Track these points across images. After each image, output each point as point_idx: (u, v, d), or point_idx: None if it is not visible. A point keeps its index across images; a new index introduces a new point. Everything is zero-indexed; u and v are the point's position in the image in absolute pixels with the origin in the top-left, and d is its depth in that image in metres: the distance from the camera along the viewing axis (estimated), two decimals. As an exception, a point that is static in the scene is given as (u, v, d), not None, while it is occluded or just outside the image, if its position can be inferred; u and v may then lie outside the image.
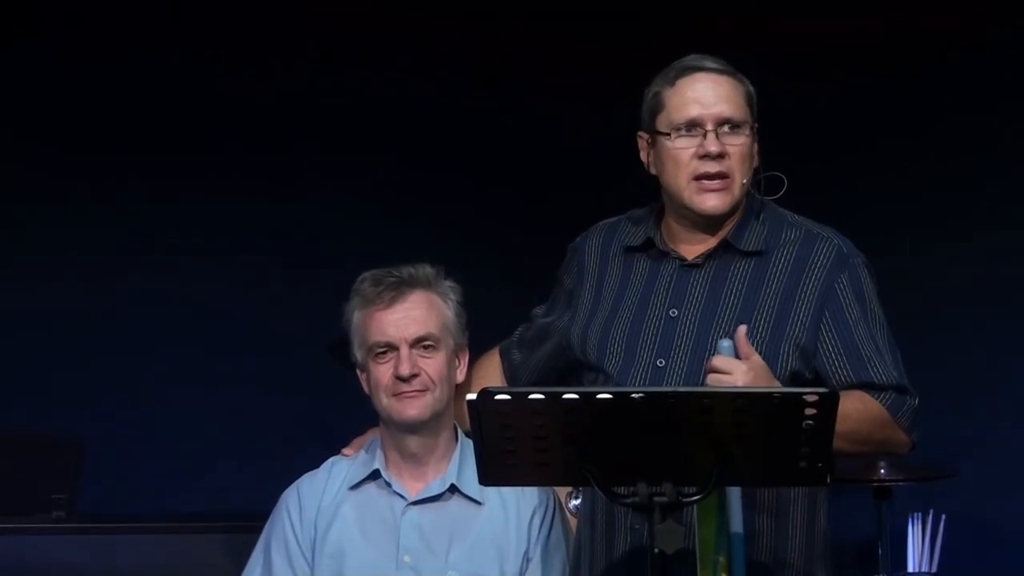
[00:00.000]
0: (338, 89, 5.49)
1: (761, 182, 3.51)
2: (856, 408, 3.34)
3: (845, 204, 5.26)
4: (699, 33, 5.31)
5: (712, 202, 3.46)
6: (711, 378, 3.28)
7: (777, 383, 3.32)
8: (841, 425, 3.18)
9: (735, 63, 3.54)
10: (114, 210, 5.39)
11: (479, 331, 3.84)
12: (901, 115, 5.47)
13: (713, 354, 3.31)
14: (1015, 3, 5.33)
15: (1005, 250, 5.39)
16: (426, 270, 3.74)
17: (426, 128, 5.52)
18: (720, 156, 3.43)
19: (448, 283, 3.75)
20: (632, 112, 3.60)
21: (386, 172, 5.49)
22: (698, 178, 3.45)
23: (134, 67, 5.40)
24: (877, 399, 3.41)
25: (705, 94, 3.45)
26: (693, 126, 3.45)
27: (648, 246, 3.56)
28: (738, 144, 3.45)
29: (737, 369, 3.27)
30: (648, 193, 3.61)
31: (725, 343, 3.30)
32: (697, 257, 3.51)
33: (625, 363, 3.47)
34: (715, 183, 3.45)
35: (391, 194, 5.49)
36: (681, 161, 3.46)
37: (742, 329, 3.32)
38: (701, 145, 3.44)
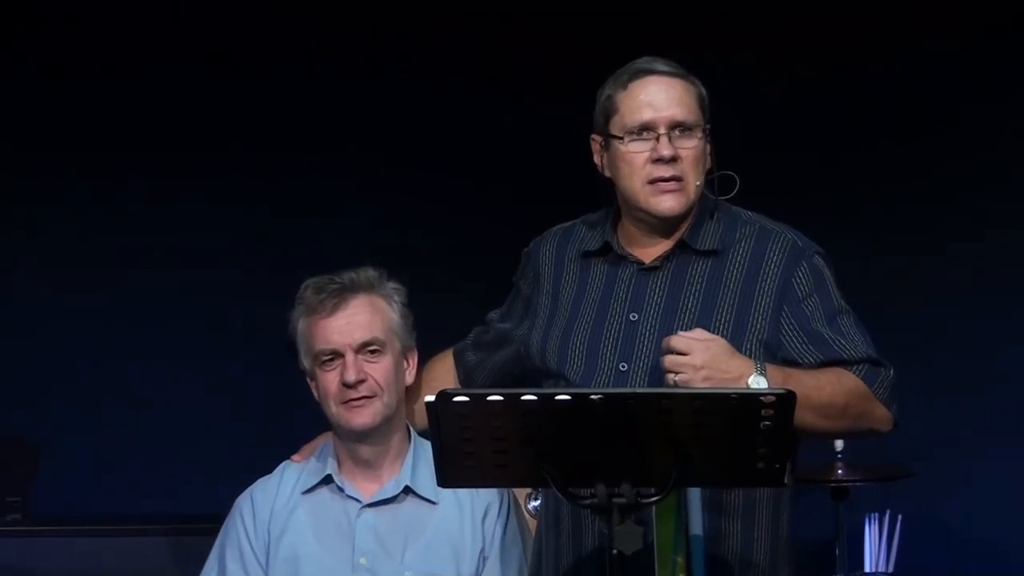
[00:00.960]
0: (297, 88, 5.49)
1: (715, 182, 3.51)
2: (830, 380, 3.34)
3: (809, 205, 5.27)
4: (696, 32, 5.32)
5: (667, 203, 3.45)
6: (669, 361, 3.28)
7: (741, 358, 3.31)
8: (816, 397, 3.20)
9: (731, 62, 3.54)
10: (73, 211, 5.37)
11: (438, 332, 3.83)
12: (874, 116, 5.48)
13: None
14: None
15: (965, 253, 5.41)
16: (368, 273, 3.72)
17: (380, 128, 5.51)
18: (673, 160, 3.44)
19: (392, 284, 3.73)
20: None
21: (343, 170, 5.48)
22: (652, 181, 3.45)
23: (119, 69, 5.39)
24: (851, 371, 3.40)
25: (657, 97, 3.45)
26: (646, 129, 3.45)
27: (605, 250, 3.56)
28: (690, 147, 3.45)
29: (695, 347, 3.28)
30: (603, 198, 3.60)
31: None
32: (655, 260, 3.51)
33: (587, 369, 3.46)
34: (670, 184, 3.45)
35: (351, 193, 5.48)
36: (635, 165, 3.46)
37: (666, 340, 3.32)
38: (654, 149, 3.44)
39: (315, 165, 5.46)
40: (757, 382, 3.28)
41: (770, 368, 3.33)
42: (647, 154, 3.44)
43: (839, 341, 3.42)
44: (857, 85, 5.52)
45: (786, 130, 5.44)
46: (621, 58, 3.54)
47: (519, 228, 5.00)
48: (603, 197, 3.59)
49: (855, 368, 3.41)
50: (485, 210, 5.54)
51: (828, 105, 5.52)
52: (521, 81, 5.55)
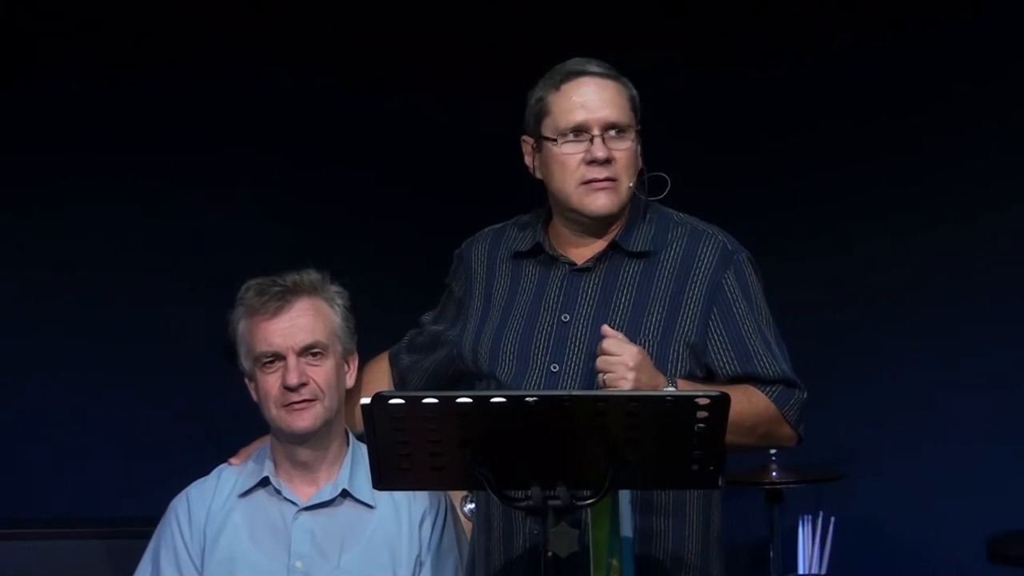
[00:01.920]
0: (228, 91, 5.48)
1: (646, 183, 3.52)
2: (740, 400, 3.35)
3: (738, 205, 5.30)
4: (613, 32, 5.35)
5: (600, 202, 3.46)
6: (601, 362, 3.30)
7: (657, 371, 3.34)
8: None
9: (645, 60, 3.56)
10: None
11: (372, 335, 3.84)
12: (818, 114, 5.51)
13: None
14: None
15: (897, 257, 5.45)
16: (311, 276, 3.71)
17: (311, 130, 5.50)
18: (607, 161, 3.44)
19: (334, 288, 3.72)
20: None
21: (270, 173, 5.47)
22: (586, 182, 3.46)
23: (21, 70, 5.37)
24: (764, 392, 3.44)
25: (591, 99, 3.46)
26: (580, 131, 3.45)
27: (537, 251, 3.56)
28: (624, 148, 3.46)
29: (626, 350, 3.30)
30: (535, 198, 3.61)
31: None
32: (587, 261, 3.52)
33: (518, 370, 3.47)
34: (603, 183, 3.45)
35: (280, 197, 5.46)
36: (569, 166, 3.46)
37: (604, 328, 3.34)
38: (588, 151, 3.45)
39: (243, 170, 5.44)
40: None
41: (681, 383, 3.36)
42: (581, 156, 3.45)
43: (760, 356, 3.44)
44: (761, 88, 5.55)
45: (695, 126, 5.45)
46: (549, 58, 3.55)
47: (450, 229, 5.02)
48: (538, 198, 3.60)
49: (769, 389, 3.44)
50: (414, 212, 5.53)
51: (739, 105, 5.54)
52: (450, 83, 5.55)
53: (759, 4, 5.53)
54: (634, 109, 3.49)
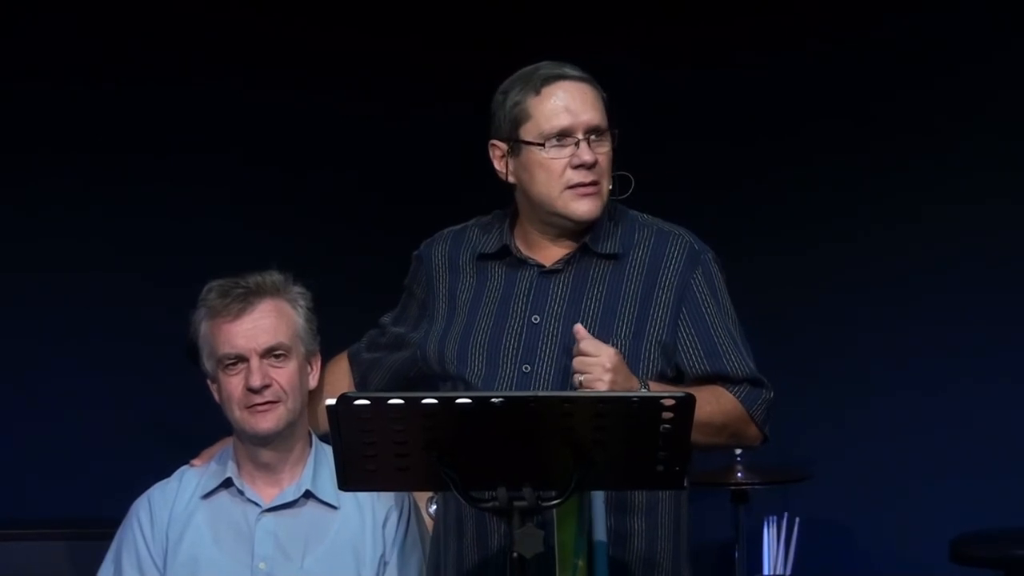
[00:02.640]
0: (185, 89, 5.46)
1: (615, 184, 3.52)
2: (708, 400, 3.37)
3: (710, 204, 5.31)
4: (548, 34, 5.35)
5: (585, 207, 3.46)
6: (577, 362, 3.30)
7: (633, 376, 3.35)
8: (695, 416, 3.21)
9: (604, 60, 3.56)
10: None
11: (333, 336, 3.82)
12: (780, 109, 5.52)
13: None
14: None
15: (864, 251, 5.46)
16: (274, 277, 3.69)
17: (272, 130, 5.49)
18: (593, 165, 3.45)
19: (297, 289, 3.71)
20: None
21: (233, 174, 5.45)
22: (572, 187, 3.45)
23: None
24: (732, 392, 3.46)
25: (573, 103, 3.46)
26: (564, 135, 3.45)
27: (503, 254, 3.55)
28: (604, 152, 3.47)
29: (604, 351, 3.30)
30: (494, 199, 3.60)
31: None
32: (556, 263, 3.51)
33: (488, 371, 3.46)
34: (588, 188, 3.46)
35: (239, 197, 5.45)
36: (554, 171, 3.46)
37: (577, 329, 3.34)
38: (575, 155, 3.44)
39: (201, 170, 5.42)
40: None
41: (653, 385, 3.37)
42: (566, 160, 3.45)
43: (729, 355, 3.46)
44: (734, 80, 5.56)
45: (662, 121, 5.45)
46: (511, 59, 3.54)
47: (409, 229, 5.02)
48: (496, 199, 3.59)
49: (737, 388, 3.46)
50: (373, 212, 5.52)
51: (709, 102, 5.55)
52: (408, 85, 5.54)
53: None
54: (609, 112, 3.50)
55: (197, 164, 5.41)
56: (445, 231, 3.66)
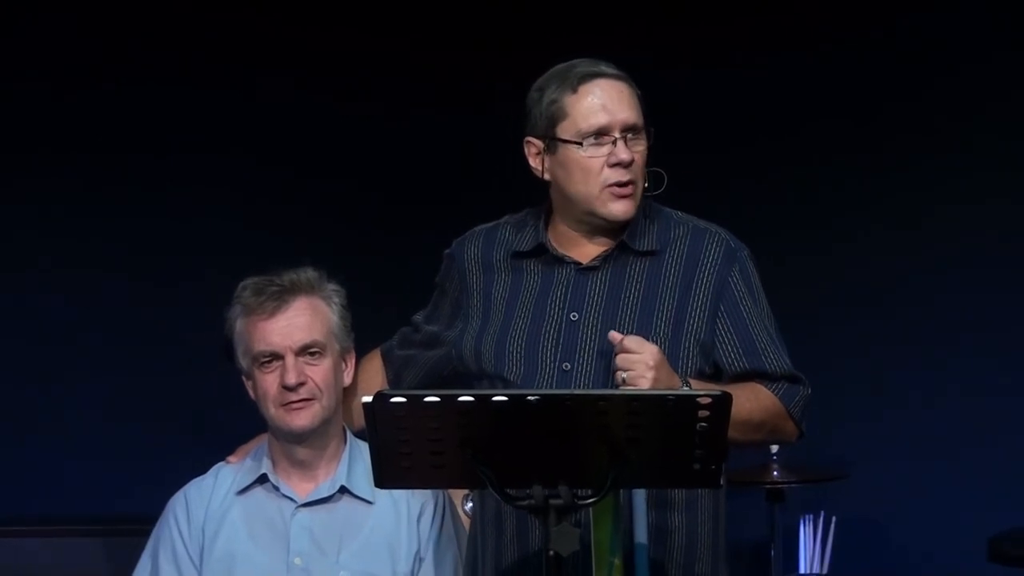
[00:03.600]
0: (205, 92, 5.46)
1: (649, 180, 3.52)
2: (749, 398, 3.38)
3: (742, 200, 5.30)
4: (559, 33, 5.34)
5: (621, 207, 3.46)
6: (621, 359, 3.30)
7: (675, 374, 3.35)
8: (734, 414, 3.21)
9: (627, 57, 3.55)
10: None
11: (365, 333, 3.82)
12: (804, 107, 5.50)
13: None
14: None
15: (900, 251, 5.44)
16: (308, 274, 3.70)
17: (272, 130, 5.48)
18: (630, 163, 3.45)
19: (332, 286, 3.71)
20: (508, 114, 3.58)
21: (232, 174, 5.45)
22: (609, 186, 3.45)
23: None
24: (770, 389, 3.46)
25: (610, 101, 3.46)
26: (601, 134, 3.45)
27: (539, 252, 3.55)
28: (640, 150, 3.48)
29: (647, 349, 3.30)
30: (522, 196, 3.60)
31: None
32: (593, 260, 3.51)
33: (527, 370, 3.46)
34: (625, 188, 3.46)
35: (238, 197, 5.44)
36: (592, 170, 3.45)
37: (612, 335, 3.34)
38: (612, 153, 3.44)
39: (201, 170, 5.42)
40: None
41: (694, 383, 3.37)
42: (603, 159, 3.44)
43: (767, 353, 3.47)
44: (750, 80, 5.54)
45: (683, 122, 5.44)
46: (511, 59, 3.53)
47: (405, 230, 5.02)
48: (528, 197, 3.59)
49: (775, 385, 3.47)
50: (369, 212, 5.51)
51: (730, 96, 5.53)
52: (404, 84, 5.53)
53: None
54: (644, 109, 3.50)
55: (197, 164, 5.41)
56: (477, 228, 3.66)
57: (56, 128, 5.32)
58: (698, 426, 2.96)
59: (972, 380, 5.36)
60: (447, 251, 3.68)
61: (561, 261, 3.52)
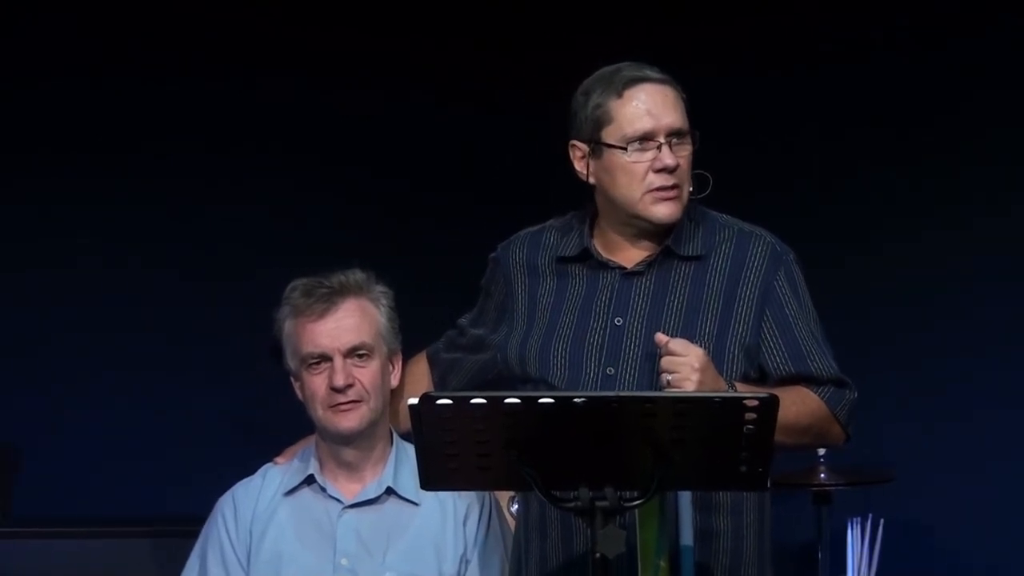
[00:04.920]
0: (248, 91, 5.46)
1: (693, 182, 3.52)
2: (795, 401, 3.38)
3: (787, 203, 5.27)
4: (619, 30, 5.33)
5: (666, 211, 3.46)
6: (666, 361, 3.30)
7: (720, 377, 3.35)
8: (781, 417, 3.20)
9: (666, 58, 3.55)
10: (38, 213, 5.35)
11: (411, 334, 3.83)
12: (847, 113, 5.47)
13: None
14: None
15: (946, 251, 5.41)
16: (357, 276, 3.72)
17: (272, 130, 5.48)
18: (675, 168, 3.44)
19: (379, 288, 3.73)
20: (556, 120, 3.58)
21: (232, 174, 5.45)
22: (654, 190, 3.45)
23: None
24: (816, 392, 3.46)
25: (655, 106, 3.45)
26: (646, 139, 3.44)
27: (584, 256, 3.55)
28: (686, 155, 3.47)
29: (692, 351, 3.30)
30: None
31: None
32: (638, 265, 3.51)
33: (572, 374, 3.46)
34: (670, 192, 3.45)
35: (238, 197, 5.44)
36: (637, 174, 3.45)
37: (659, 336, 3.34)
38: (657, 158, 3.44)
39: (240, 165, 5.42)
40: None
41: (739, 386, 3.37)
42: (648, 163, 3.44)
43: (813, 357, 3.47)
44: (799, 80, 5.50)
45: (721, 125, 5.41)
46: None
47: (404, 230, 5.00)
48: (570, 200, 3.59)
49: (821, 389, 3.47)
50: (370, 212, 5.50)
51: (773, 101, 5.50)
52: (404, 84, 5.50)
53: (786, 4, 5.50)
54: (688, 113, 3.49)
55: (197, 164, 5.41)
56: (522, 232, 3.67)
57: (56, 128, 5.33)
58: (745, 428, 2.96)
59: (1021, 383, 5.33)
60: (492, 255, 3.68)
61: (606, 266, 3.52)
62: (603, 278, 3.52)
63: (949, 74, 5.37)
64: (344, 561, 3.67)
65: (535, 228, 3.65)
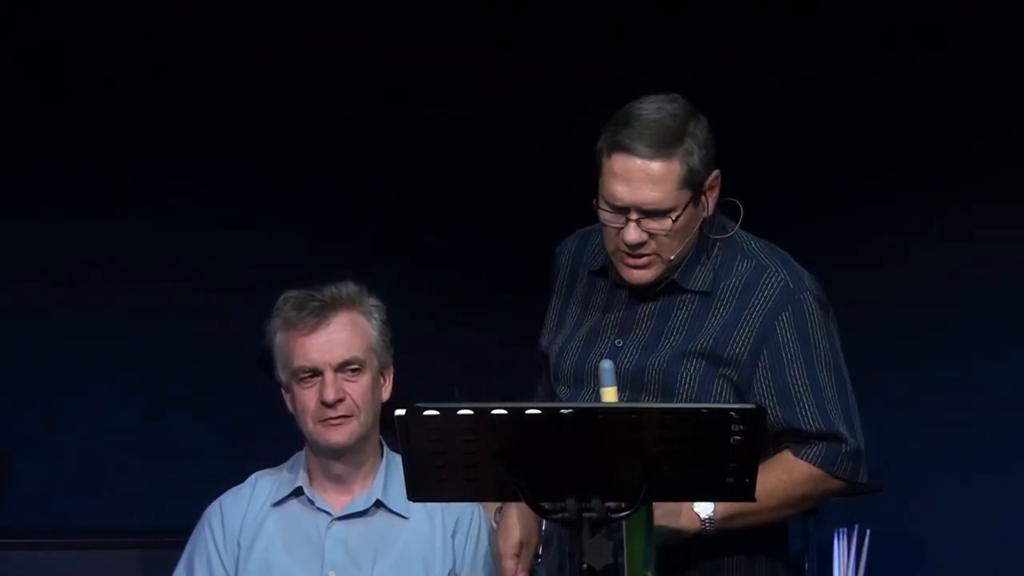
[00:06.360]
0: (243, 97, 5.47)
1: (714, 222, 3.42)
2: (780, 479, 3.31)
3: (785, 214, 5.27)
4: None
5: (636, 276, 3.38)
6: None
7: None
8: (768, 503, 3.21)
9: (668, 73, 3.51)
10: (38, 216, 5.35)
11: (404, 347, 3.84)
12: (847, 113, 5.48)
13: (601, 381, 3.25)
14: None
15: (936, 266, 5.42)
16: (349, 289, 3.71)
17: (271, 130, 5.48)
18: (640, 244, 3.34)
19: (372, 301, 3.73)
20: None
21: (232, 174, 5.45)
22: (623, 253, 3.36)
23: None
24: (806, 454, 3.36)
25: (632, 181, 3.30)
26: (617, 210, 3.33)
27: (604, 272, 3.50)
28: (663, 228, 3.32)
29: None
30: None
31: (607, 364, 3.24)
32: (648, 291, 3.43)
33: (574, 392, 3.45)
34: (640, 260, 3.37)
35: (238, 197, 5.44)
36: (608, 234, 3.36)
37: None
38: (623, 230, 3.33)
39: (201, 170, 5.42)
40: (703, 508, 3.30)
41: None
42: (618, 229, 3.34)
43: (803, 404, 3.34)
44: (801, 89, 5.51)
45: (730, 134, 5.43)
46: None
47: (404, 230, 4.99)
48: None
49: (810, 450, 3.34)
50: (369, 212, 5.50)
51: (777, 109, 5.51)
52: (404, 84, 5.50)
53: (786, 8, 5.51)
54: (689, 183, 3.32)
55: (197, 164, 5.41)
56: (582, 230, 3.60)
57: (56, 128, 5.33)
58: (731, 440, 2.96)
59: (1009, 394, 5.33)
60: (556, 248, 3.62)
61: (620, 287, 3.46)
62: (617, 298, 3.47)
63: (949, 75, 5.39)
64: (332, 573, 3.67)
65: (588, 228, 3.57)
